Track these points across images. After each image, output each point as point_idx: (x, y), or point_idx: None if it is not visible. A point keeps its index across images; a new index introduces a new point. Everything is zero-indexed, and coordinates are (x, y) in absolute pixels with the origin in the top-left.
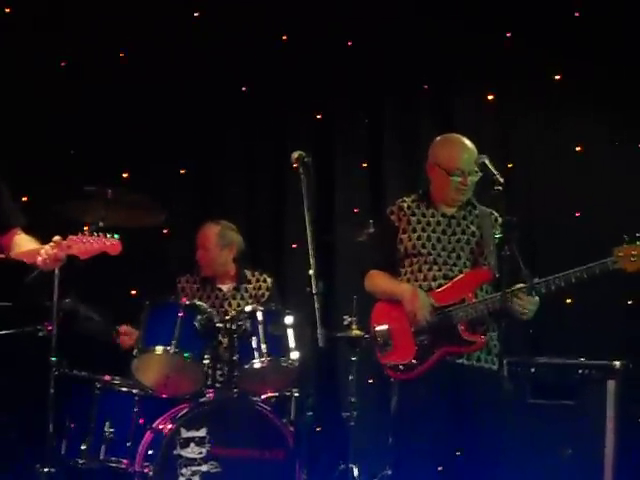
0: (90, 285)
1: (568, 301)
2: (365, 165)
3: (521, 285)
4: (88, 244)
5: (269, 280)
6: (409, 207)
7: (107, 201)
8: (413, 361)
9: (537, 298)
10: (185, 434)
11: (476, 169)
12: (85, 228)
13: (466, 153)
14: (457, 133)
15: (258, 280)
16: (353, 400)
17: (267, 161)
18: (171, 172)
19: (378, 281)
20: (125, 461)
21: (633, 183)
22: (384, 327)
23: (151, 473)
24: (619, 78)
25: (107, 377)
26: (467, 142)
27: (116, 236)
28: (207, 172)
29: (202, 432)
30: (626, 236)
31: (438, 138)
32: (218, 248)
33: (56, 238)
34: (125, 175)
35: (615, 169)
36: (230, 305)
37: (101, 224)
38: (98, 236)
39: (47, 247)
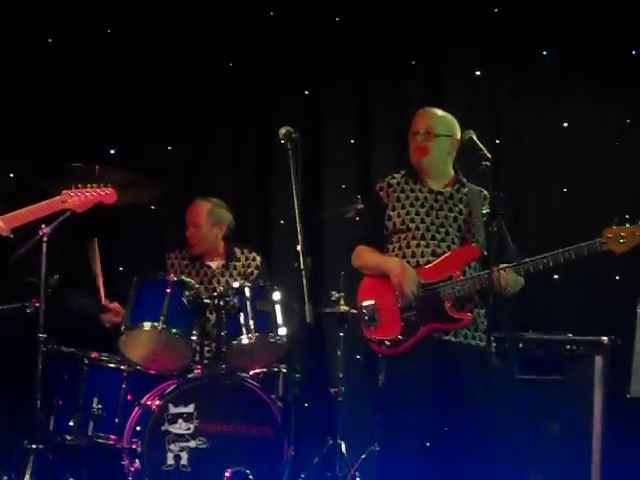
0: (78, 261)
1: (556, 277)
2: (353, 141)
3: (509, 264)
4: (83, 196)
5: (258, 258)
6: (398, 183)
7: (94, 178)
8: (399, 337)
9: (522, 279)
10: (173, 410)
11: (445, 134)
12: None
13: (426, 116)
14: (446, 109)
15: (247, 258)
16: (341, 376)
17: (255, 137)
18: (158, 149)
19: (366, 256)
20: (113, 437)
21: (621, 160)
22: (370, 302)
23: (139, 449)
24: (608, 54)
25: (95, 353)
26: (436, 110)
27: None
28: (195, 148)
29: (190, 408)
30: (616, 218)
31: None
32: (209, 225)
33: None
34: (112, 152)
35: (603, 146)
36: (219, 282)
37: None
38: (92, 187)
39: None
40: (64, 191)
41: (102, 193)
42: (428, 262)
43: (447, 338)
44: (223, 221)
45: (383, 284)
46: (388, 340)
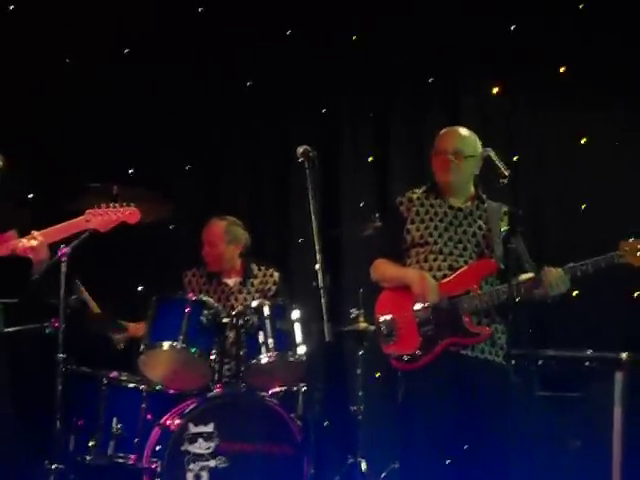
0: (96, 281)
1: (575, 293)
2: (371, 159)
3: (527, 276)
4: (106, 216)
5: (276, 275)
6: (418, 198)
7: (113, 197)
8: (417, 352)
9: (567, 277)
10: (193, 429)
11: (472, 155)
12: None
13: (455, 136)
14: (463, 126)
15: (265, 275)
16: (360, 394)
17: (272, 156)
18: (176, 167)
19: (385, 268)
20: (133, 457)
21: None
22: (388, 317)
23: (159, 469)
24: (626, 69)
25: (114, 373)
26: (463, 130)
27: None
28: (213, 167)
29: (210, 427)
30: (632, 230)
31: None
32: (224, 244)
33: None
34: (130, 171)
35: (622, 162)
36: (236, 300)
37: None
38: (115, 207)
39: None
40: (88, 210)
41: (126, 213)
42: (445, 276)
43: (464, 353)
44: (239, 239)
45: (401, 298)
46: (406, 355)
